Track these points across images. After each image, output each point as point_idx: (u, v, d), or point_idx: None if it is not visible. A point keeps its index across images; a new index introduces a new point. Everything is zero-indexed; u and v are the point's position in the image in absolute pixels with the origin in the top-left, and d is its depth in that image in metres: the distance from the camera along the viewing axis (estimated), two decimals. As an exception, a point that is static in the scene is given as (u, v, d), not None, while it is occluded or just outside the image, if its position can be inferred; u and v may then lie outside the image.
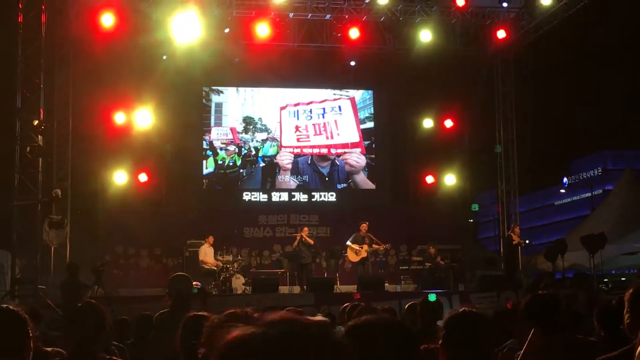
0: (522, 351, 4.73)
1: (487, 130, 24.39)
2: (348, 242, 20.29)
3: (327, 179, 25.04)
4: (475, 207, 25.07)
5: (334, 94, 25.44)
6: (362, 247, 20.03)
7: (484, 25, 22.52)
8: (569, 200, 47.48)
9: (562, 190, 46.01)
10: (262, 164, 24.77)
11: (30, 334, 3.63)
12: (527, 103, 24.19)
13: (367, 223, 20.31)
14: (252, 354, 1.49)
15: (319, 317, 1.62)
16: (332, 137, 25.16)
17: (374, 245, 20.14)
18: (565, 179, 43.91)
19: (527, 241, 21.82)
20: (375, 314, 2.94)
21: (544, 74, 23.47)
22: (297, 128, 25.02)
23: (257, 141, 24.84)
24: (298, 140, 24.98)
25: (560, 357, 4.54)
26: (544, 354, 4.56)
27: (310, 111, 25.18)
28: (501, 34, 22.10)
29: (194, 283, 7.81)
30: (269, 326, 1.52)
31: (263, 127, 24.91)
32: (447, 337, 3.53)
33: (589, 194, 42.36)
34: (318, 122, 25.19)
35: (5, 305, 3.78)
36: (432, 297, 1.75)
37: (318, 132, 25.12)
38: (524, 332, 4.82)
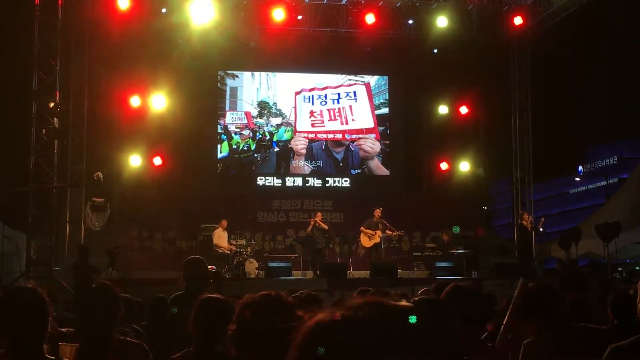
0: (529, 341, 4.70)
1: (502, 117, 24.30)
2: (362, 227, 20.29)
3: (341, 164, 25.03)
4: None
5: (349, 80, 25.38)
6: (375, 233, 20.02)
7: (501, 12, 22.39)
8: (584, 188, 47.25)
9: (577, 179, 45.81)
10: (276, 149, 24.78)
11: (50, 315, 3.67)
12: (543, 90, 24.04)
13: (381, 209, 20.29)
14: (340, 336, 1.47)
15: (405, 302, 1.62)
16: (346, 123, 25.12)
17: (387, 232, 20.12)
18: (580, 167, 43.72)
19: (541, 229, 21.70)
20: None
21: (561, 61, 23.31)
22: (311, 113, 25.00)
23: (271, 126, 24.85)
24: (313, 125, 24.97)
25: (568, 347, 4.53)
26: (553, 344, 4.55)
27: (325, 96, 25.15)
28: (518, 20, 21.98)
29: (209, 267, 7.85)
30: (357, 309, 1.51)
31: (278, 112, 24.91)
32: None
33: (604, 183, 42.17)
34: (333, 108, 25.16)
35: (28, 285, 3.82)
36: (412, 320, 1.76)
37: (333, 118, 25.09)
38: (523, 324, 4.79)
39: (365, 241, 20.25)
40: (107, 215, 19.90)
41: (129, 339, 4.77)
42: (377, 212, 20.20)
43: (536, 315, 4.58)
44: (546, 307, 4.57)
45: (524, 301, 4.67)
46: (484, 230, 23.77)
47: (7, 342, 3.64)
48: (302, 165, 24.80)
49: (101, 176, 18.67)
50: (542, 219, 21.69)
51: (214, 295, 4.54)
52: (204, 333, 4.30)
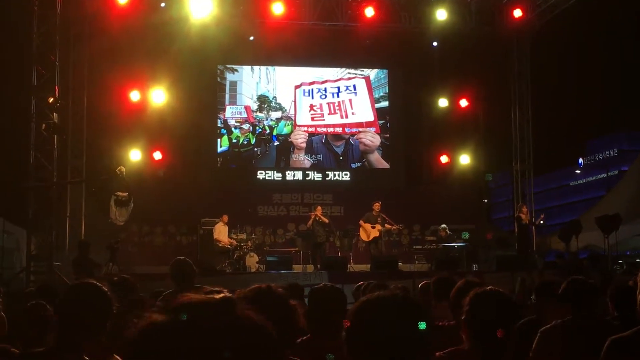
0: (547, 327, 4.79)
1: (502, 110, 24.28)
2: (361, 221, 20.28)
3: (341, 158, 25.02)
4: (489, 176, 24.94)
5: (349, 73, 25.36)
6: (374, 227, 20.02)
7: (500, 4, 22.37)
8: (584, 181, 47.28)
9: (578, 171, 45.81)
10: (276, 143, 24.78)
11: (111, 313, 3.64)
12: (542, 83, 24.04)
13: (380, 203, 20.29)
14: (160, 341, 1.52)
15: (223, 294, 1.65)
16: (346, 116, 25.11)
17: (386, 225, 20.12)
18: (580, 160, 43.72)
19: (542, 216, 21.71)
20: (388, 290, 2.96)
21: (560, 54, 23.32)
22: (311, 107, 24.98)
23: (271, 120, 24.83)
24: (312, 119, 24.95)
25: (579, 335, 4.60)
26: (563, 332, 4.63)
27: (325, 90, 25.12)
28: (517, 12, 21.96)
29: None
30: (175, 312, 1.56)
31: (277, 106, 24.89)
32: (472, 315, 3.56)
33: (604, 175, 42.20)
34: (332, 101, 25.14)
35: (92, 281, 3.77)
36: (422, 326, 1.76)
37: (332, 111, 25.07)
38: (550, 310, 4.90)
39: (364, 235, 20.23)
40: (131, 209, 19.86)
41: None
42: (376, 206, 20.19)
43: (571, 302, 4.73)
44: (575, 295, 4.69)
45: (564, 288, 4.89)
46: (491, 234, 23.79)
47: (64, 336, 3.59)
48: (302, 159, 24.79)
49: (124, 170, 18.65)
50: (542, 216, 21.72)
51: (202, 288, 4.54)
52: None
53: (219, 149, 24.54)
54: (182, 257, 7.56)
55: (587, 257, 20.93)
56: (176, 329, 1.53)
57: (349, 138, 25.07)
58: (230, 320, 1.57)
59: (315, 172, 24.76)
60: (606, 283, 9.19)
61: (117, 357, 3.59)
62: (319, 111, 25.02)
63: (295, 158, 24.78)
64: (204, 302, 1.60)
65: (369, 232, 20.08)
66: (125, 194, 19.60)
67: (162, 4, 20.65)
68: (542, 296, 5.92)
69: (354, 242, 21.96)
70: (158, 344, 1.52)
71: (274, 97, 24.88)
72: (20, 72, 18.86)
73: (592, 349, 4.42)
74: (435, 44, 23.28)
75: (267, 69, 24.94)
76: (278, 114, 24.86)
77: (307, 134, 24.85)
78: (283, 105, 24.89)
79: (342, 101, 25.15)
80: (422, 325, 2.26)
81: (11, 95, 19.09)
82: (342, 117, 25.08)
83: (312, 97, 25.03)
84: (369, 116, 25.20)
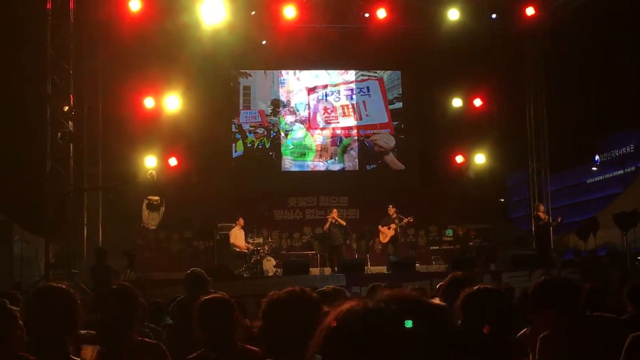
0: (545, 334, 4.68)
1: (517, 109, 24.17)
2: (379, 226, 20.50)
3: (356, 160, 25.01)
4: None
5: (362, 75, 25.37)
6: (390, 227, 20.11)
7: (513, 3, 22.26)
8: (600, 178, 46.98)
9: (594, 168, 45.53)
10: (291, 147, 24.78)
11: (78, 315, 3.74)
12: (557, 80, 23.90)
13: (393, 205, 20.37)
14: (367, 326, 1.49)
15: (437, 301, 1.63)
16: (360, 119, 25.10)
17: (401, 222, 20.26)
18: (597, 157, 43.44)
19: (559, 219, 21.59)
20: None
21: (574, 51, 23.18)
22: (325, 110, 24.98)
23: (286, 123, 24.85)
24: (327, 122, 24.96)
25: (583, 336, 4.50)
26: (567, 334, 4.53)
27: (339, 92, 25.13)
28: (530, 11, 21.85)
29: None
30: (387, 302, 1.53)
31: (292, 110, 24.91)
32: (464, 313, 3.58)
33: (621, 172, 41.89)
34: (346, 104, 25.15)
35: (60, 285, 3.87)
36: (408, 324, 1.74)
37: (346, 114, 25.07)
38: (542, 316, 4.76)
39: (383, 238, 20.39)
40: (162, 213, 19.88)
41: (146, 339, 4.79)
42: (391, 210, 20.30)
43: (551, 307, 4.54)
44: (561, 298, 4.53)
45: (539, 293, 4.65)
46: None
47: (35, 339, 3.69)
48: (316, 162, 24.79)
49: (155, 174, 18.68)
50: (559, 219, 21.61)
51: (212, 297, 4.59)
52: (210, 332, 4.35)
53: (234, 154, 24.59)
54: (195, 268, 7.76)
55: (606, 255, 20.80)
56: (386, 318, 1.50)
57: (363, 140, 25.06)
58: (441, 328, 1.54)
59: (331, 175, 24.74)
60: (624, 280, 9.13)
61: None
62: (333, 114, 25.02)
63: (310, 161, 24.78)
64: (418, 300, 1.57)
65: (386, 233, 20.20)
66: (157, 197, 19.61)
67: (175, 11, 20.69)
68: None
69: (371, 244, 21.95)
70: (372, 328, 1.49)
71: (288, 101, 24.89)
72: (35, 81, 18.98)
73: (598, 350, 4.37)
74: (448, 43, 23.20)
75: (280, 72, 24.96)
76: (292, 118, 24.88)
77: (321, 137, 24.85)
78: (297, 108, 24.90)
79: (356, 103, 25.15)
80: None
81: (27, 104, 19.20)
82: (356, 119, 25.08)
83: (326, 100, 25.04)
84: (383, 118, 25.18)
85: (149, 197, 19.52)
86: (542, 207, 21.03)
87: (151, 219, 19.63)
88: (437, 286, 7.96)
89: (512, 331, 4.97)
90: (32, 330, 3.77)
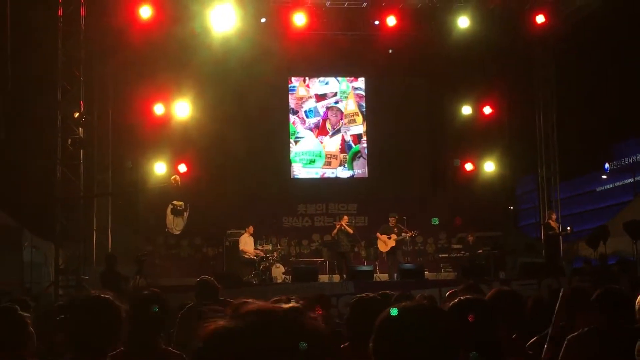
0: (573, 335, 4.78)
1: (526, 116, 24.13)
2: (377, 233, 20.31)
3: (365, 167, 24.99)
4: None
5: (372, 82, 25.34)
6: (390, 237, 19.97)
7: (523, 11, 22.23)
8: (611, 186, 46.81)
9: (604, 176, 45.39)
10: (300, 154, 24.77)
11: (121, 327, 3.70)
12: (567, 87, 23.85)
13: (396, 217, 20.26)
14: (227, 346, 1.56)
15: (291, 304, 1.67)
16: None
17: (402, 234, 20.07)
18: (606, 165, 43.30)
19: (568, 228, 21.52)
20: (412, 301, 2.95)
21: (585, 58, 23.13)
22: (335, 117, 24.98)
23: (295, 130, 24.84)
24: (336, 129, 24.95)
25: (613, 341, 4.61)
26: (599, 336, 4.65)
27: (348, 99, 25.13)
28: (540, 18, 21.82)
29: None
30: (243, 318, 1.60)
31: (301, 117, 24.90)
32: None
33: (631, 180, 41.72)
34: (356, 111, 25.14)
35: (105, 296, 3.80)
36: (393, 312, 1.74)
37: (356, 121, 25.07)
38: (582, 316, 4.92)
39: (382, 246, 20.22)
40: (186, 218, 19.88)
41: (170, 348, 4.75)
42: (392, 221, 20.16)
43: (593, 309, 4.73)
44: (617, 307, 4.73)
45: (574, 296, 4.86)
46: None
47: (76, 349, 3.65)
48: (326, 169, 24.78)
49: (179, 179, 18.68)
50: (569, 228, 21.52)
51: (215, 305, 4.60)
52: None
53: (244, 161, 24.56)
54: (206, 276, 7.88)
55: (616, 263, 20.71)
56: (244, 334, 1.57)
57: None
58: (297, 328, 1.60)
59: (340, 182, 24.73)
60: (636, 289, 9.09)
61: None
62: (342, 121, 25.02)
63: (319, 168, 24.77)
64: (273, 309, 1.63)
65: (386, 242, 20.07)
66: (181, 202, 19.60)
67: (185, 18, 20.76)
68: (572, 303, 5.88)
69: (379, 252, 21.92)
70: (227, 348, 1.56)
71: (298, 109, 24.88)
72: (46, 88, 19.06)
73: (625, 356, 4.41)
74: (457, 51, 23.17)
75: (290, 79, 24.96)
76: (301, 125, 24.87)
77: (331, 144, 24.85)
78: (307, 115, 24.90)
79: (366, 110, 25.14)
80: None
81: (37, 111, 19.27)
82: (365, 126, 25.08)
83: (336, 107, 25.03)
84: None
85: (174, 202, 19.50)
86: (554, 216, 20.97)
87: (175, 224, 19.60)
88: (447, 294, 7.97)
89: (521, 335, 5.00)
90: (76, 345, 3.67)
